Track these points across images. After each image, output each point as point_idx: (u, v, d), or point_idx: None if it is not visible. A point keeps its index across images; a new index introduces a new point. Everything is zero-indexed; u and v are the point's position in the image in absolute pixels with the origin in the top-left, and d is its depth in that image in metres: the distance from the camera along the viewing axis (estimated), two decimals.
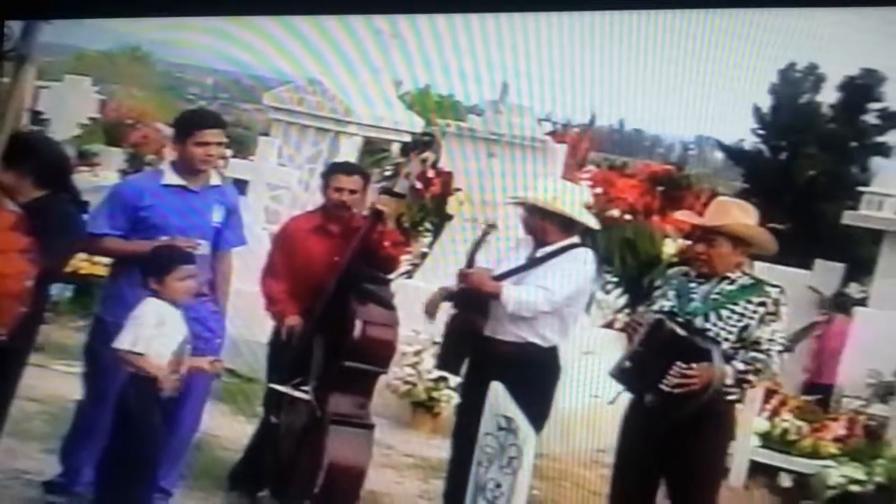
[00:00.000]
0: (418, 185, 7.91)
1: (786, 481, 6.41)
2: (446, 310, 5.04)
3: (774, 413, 6.63)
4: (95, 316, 4.94)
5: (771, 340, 4.26)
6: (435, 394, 6.78)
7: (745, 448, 6.28)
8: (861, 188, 8.50)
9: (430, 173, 8.21)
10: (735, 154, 12.09)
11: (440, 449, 5.66)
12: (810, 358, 7.40)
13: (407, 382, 6.79)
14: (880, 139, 11.18)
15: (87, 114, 11.21)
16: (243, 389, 6.21)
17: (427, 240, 8.74)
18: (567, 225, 4.86)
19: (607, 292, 7.99)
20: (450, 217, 8.19)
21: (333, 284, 4.90)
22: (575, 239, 4.87)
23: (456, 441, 4.95)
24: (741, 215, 4.43)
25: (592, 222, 4.95)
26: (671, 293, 4.42)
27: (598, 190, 8.55)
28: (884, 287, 7.64)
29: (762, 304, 4.28)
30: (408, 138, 8.68)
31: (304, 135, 8.84)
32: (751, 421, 6.33)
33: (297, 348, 4.97)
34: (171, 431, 4.57)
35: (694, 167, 10.86)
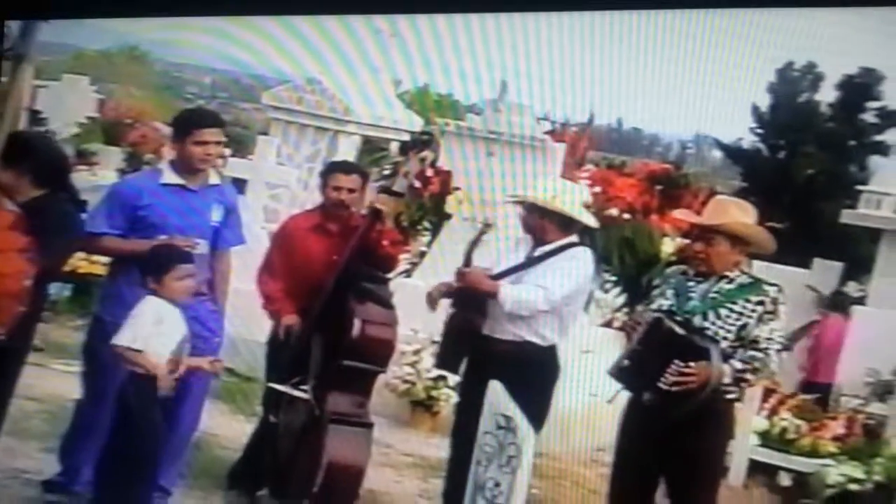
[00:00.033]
0: (417, 184, 7.91)
1: (785, 480, 6.41)
2: (445, 309, 5.04)
3: (773, 412, 6.63)
4: (94, 315, 4.94)
5: (769, 339, 4.26)
6: (434, 393, 6.78)
7: (744, 447, 6.29)
8: (859, 187, 8.50)
9: (429, 172, 8.21)
10: (733, 153, 12.09)
11: (439, 448, 5.66)
12: (806, 356, 7.40)
13: (406, 381, 6.79)
14: (879, 138, 11.17)
15: (86, 113, 11.21)
16: (242, 388, 6.21)
17: (426, 239, 8.74)
18: (566, 224, 4.86)
19: (606, 291, 7.99)
20: (448, 216, 8.19)
21: (332, 283, 4.90)
22: (573, 238, 4.87)
23: (455, 440, 4.95)
24: (740, 214, 4.43)
25: (591, 221, 4.95)
26: (670, 292, 4.42)
27: (597, 189, 8.55)
28: (882, 286, 7.65)
29: (761, 302, 4.28)
30: (406, 137, 8.69)
31: (302, 134, 8.84)
32: (750, 420, 6.34)
33: (295, 347, 4.97)
34: (171, 430, 4.57)
35: (692, 166, 10.86)
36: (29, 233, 4.21)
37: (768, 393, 6.57)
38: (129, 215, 4.79)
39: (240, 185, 7.86)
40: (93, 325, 4.93)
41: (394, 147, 9.16)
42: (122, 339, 4.37)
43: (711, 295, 4.33)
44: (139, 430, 4.34)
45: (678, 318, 4.30)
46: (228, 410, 6.05)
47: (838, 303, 7.66)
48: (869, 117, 11.23)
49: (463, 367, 5.05)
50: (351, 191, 5.09)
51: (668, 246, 8.28)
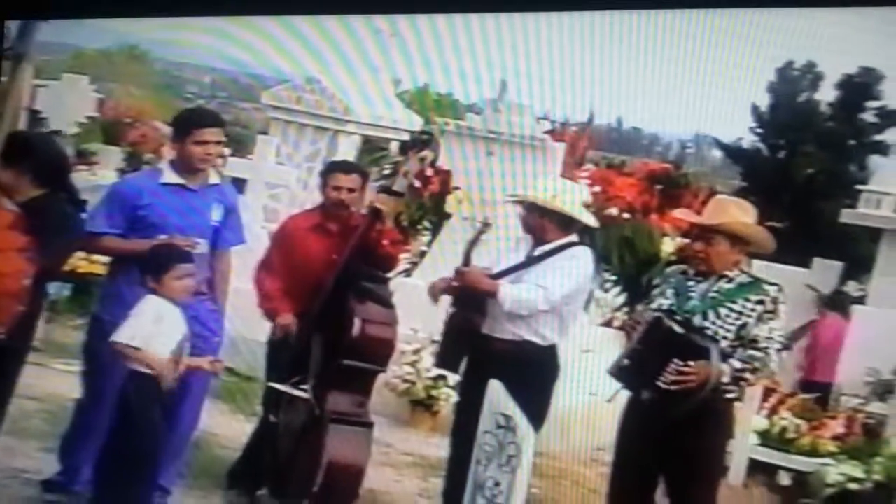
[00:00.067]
0: (417, 183, 7.91)
1: (784, 479, 6.41)
2: (445, 308, 5.04)
3: (773, 411, 6.63)
4: (93, 315, 4.95)
5: (769, 339, 4.26)
6: (434, 392, 6.78)
7: (743, 446, 6.28)
8: (859, 186, 8.49)
9: (429, 172, 8.21)
10: (733, 152, 12.07)
11: (439, 447, 5.66)
12: (802, 355, 7.40)
13: (406, 381, 6.79)
14: (879, 137, 11.15)
15: (85, 112, 11.19)
16: (242, 388, 6.21)
17: (426, 238, 8.74)
18: (566, 223, 4.86)
19: (606, 291, 7.99)
20: (448, 215, 8.19)
21: (332, 283, 4.91)
22: (573, 237, 4.87)
23: (455, 439, 4.95)
24: (739, 214, 4.43)
25: (591, 220, 4.95)
26: (669, 291, 4.43)
27: (597, 188, 8.55)
28: (882, 285, 7.64)
29: (760, 302, 4.28)
30: (406, 137, 8.69)
31: (302, 133, 8.84)
32: (749, 419, 6.33)
33: (295, 347, 4.98)
34: (171, 429, 4.58)
35: (692, 166, 10.85)
36: (28, 232, 4.22)
37: (768, 392, 6.57)
38: (128, 215, 4.79)
39: (239, 184, 7.86)
40: (92, 325, 4.93)
41: (393, 146, 9.16)
42: (122, 336, 4.37)
43: (711, 294, 4.34)
44: (139, 429, 4.34)
45: (678, 318, 4.30)
46: (228, 410, 6.05)
47: (838, 302, 7.66)
48: (869, 117, 11.21)
49: (463, 367, 5.05)
50: (351, 190, 5.09)
51: (668, 245, 8.28)
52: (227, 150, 7.14)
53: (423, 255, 8.26)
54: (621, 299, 8.18)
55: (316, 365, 4.89)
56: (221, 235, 4.94)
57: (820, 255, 7.96)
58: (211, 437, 5.55)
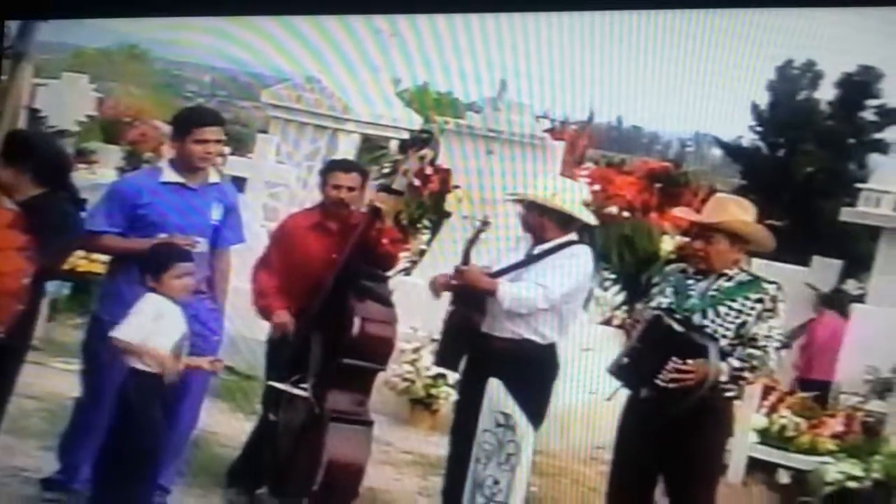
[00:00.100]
0: (416, 182, 7.90)
1: (784, 478, 6.41)
2: (445, 307, 5.04)
3: (772, 409, 6.63)
4: (93, 314, 4.95)
5: (768, 337, 4.27)
6: (433, 391, 6.79)
7: (743, 444, 6.29)
8: (859, 185, 8.49)
9: (429, 170, 8.21)
10: (733, 151, 12.08)
11: (438, 446, 5.67)
12: (798, 354, 7.40)
13: (405, 379, 6.79)
14: (878, 136, 11.15)
15: (85, 111, 11.19)
16: (242, 387, 6.22)
17: (425, 237, 8.75)
18: (565, 222, 4.86)
19: (605, 289, 7.99)
20: (448, 214, 8.19)
21: (332, 282, 4.91)
22: (573, 236, 4.87)
23: (454, 438, 4.95)
24: (739, 212, 4.44)
25: (590, 219, 4.95)
26: (669, 290, 4.43)
27: (597, 187, 8.55)
28: (881, 283, 7.65)
29: (760, 300, 4.29)
30: (406, 135, 8.69)
31: (302, 132, 8.85)
32: (749, 417, 6.34)
33: (295, 345, 4.98)
34: (170, 428, 4.57)
35: (692, 164, 10.84)
36: (28, 231, 4.22)
37: (767, 390, 6.57)
38: (128, 214, 4.79)
39: (239, 183, 7.86)
40: (92, 324, 4.93)
41: (393, 145, 9.16)
42: (121, 333, 4.37)
43: (711, 293, 4.34)
44: (139, 427, 4.34)
45: (677, 316, 4.31)
46: (228, 408, 6.05)
47: (837, 301, 7.66)
48: (868, 115, 11.21)
49: (462, 365, 5.06)
50: (350, 189, 5.09)
51: (668, 244, 8.28)
52: (226, 149, 7.14)
53: (422, 253, 8.26)
54: (621, 298, 8.18)
55: (316, 363, 4.89)
56: (221, 234, 4.94)
57: (819, 254, 7.97)
58: (210, 436, 5.55)
